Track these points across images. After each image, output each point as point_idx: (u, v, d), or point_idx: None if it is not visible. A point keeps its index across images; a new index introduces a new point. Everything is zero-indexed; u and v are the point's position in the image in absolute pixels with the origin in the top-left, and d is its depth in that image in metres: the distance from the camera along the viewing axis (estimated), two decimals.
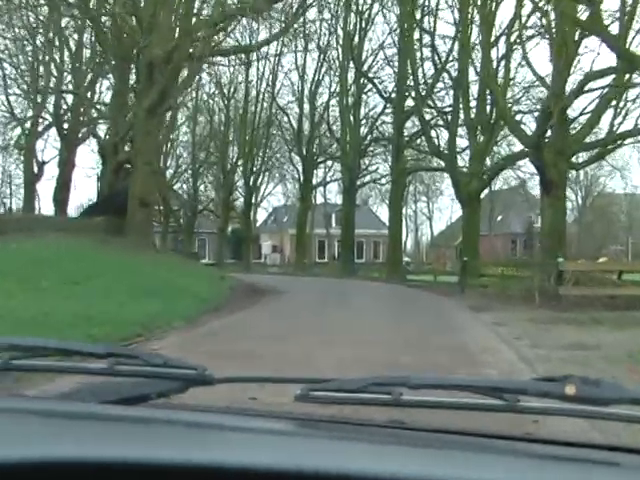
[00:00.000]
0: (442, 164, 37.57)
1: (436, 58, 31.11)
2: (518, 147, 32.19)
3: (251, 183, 48.72)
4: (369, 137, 40.62)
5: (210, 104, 51.90)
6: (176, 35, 22.44)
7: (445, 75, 32.30)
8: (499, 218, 64.49)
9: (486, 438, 1.24)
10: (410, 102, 34.97)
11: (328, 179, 51.29)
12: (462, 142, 32.09)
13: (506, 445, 1.21)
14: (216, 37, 25.52)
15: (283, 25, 26.33)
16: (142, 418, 1.12)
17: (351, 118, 40.58)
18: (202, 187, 55.95)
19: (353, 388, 1.18)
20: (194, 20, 23.50)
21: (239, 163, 49.92)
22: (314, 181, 49.74)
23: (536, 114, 28.61)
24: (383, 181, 44.43)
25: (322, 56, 44.08)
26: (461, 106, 29.36)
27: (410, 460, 0.96)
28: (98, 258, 17.56)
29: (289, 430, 1.16)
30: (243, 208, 49.99)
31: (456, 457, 1.01)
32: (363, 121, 41.36)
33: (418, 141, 38.58)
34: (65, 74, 34.82)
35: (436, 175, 55.52)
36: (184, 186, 56.94)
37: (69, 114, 35.05)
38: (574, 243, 58.42)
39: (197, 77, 33.07)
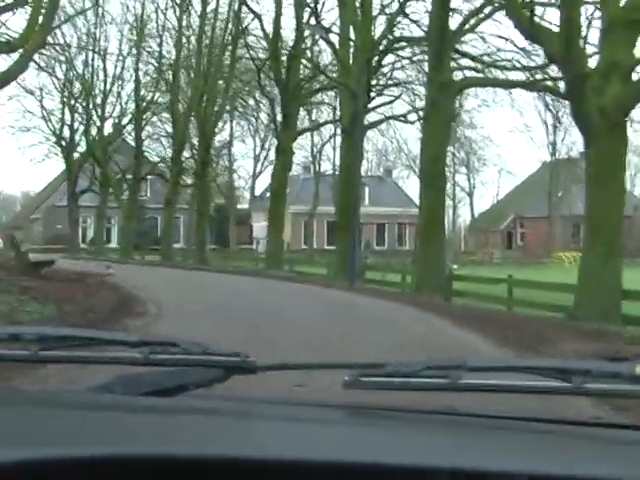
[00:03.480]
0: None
1: None
2: None
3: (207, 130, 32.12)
4: (385, 42, 23.74)
5: (159, 22, 36.77)
6: None
7: None
8: (559, 195, 50.45)
9: (551, 424, 1.16)
10: None
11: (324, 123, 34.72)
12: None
13: (573, 431, 1.14)
14: None
15: None
16: (184, 409, 1.10)
17: (358, 13, 23.83)
18: (149, 142, 40.30)
19: (406, 372, 1.13)
20: None
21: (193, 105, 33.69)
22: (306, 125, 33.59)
23: None
24: (411, 118, 27.49)
25: None
26: None
27: (470, 450, 0.91)
28: None
29: (338, 419, 1.13)
30: (196, 168, 33.37)
31: (519, 445, 0.96)
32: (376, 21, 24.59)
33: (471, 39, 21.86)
34: None
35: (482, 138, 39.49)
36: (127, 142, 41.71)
37: None
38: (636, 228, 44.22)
39: None
